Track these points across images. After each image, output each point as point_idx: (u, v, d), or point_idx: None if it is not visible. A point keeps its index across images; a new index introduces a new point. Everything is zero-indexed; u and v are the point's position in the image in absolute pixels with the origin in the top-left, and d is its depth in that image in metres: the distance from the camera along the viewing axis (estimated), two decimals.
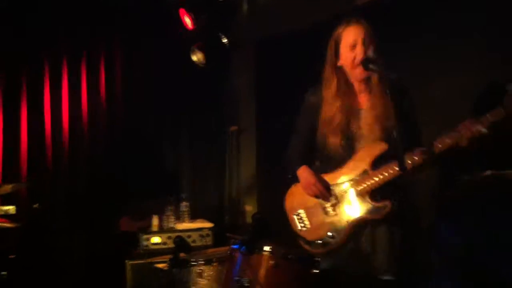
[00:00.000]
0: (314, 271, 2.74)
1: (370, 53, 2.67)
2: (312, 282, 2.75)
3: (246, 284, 2.67)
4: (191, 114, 5.26)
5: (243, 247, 2.72)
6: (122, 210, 4.78)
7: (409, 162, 2.55)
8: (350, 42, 2.70)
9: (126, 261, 4.29)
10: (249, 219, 4.96)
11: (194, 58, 4.52)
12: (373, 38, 2.69)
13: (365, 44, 2.67)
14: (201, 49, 4.49)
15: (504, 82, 2.49)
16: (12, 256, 3.92)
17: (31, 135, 4.57)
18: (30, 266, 4.30)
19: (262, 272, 2.70)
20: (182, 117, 5.26)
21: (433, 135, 2.57)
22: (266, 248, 2.71)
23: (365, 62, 2.62)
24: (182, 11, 4.38)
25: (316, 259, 2.78)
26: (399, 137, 2.34)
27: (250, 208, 5.12)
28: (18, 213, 4.09)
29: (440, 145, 2.51)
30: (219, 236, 4.48)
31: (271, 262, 2.68)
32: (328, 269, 2.76)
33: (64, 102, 4.70)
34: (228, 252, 2.89)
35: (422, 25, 3.69)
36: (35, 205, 4.32)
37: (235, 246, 2.82)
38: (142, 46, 4.97)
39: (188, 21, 4.45)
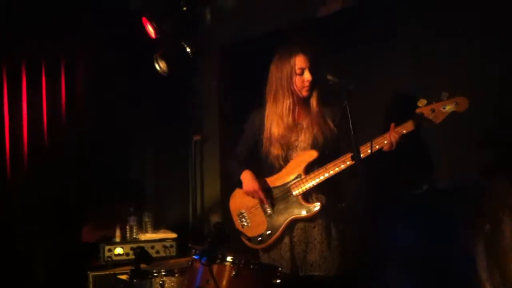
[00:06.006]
0: (275, 280, 2.76)
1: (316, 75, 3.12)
2: None
3: None
4: (155, 122, 5.21)
5: (204, 257, 2.70)
6: (83, 219, 4.71)
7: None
8: (300, 68, 3.11)
9: (89, 272, 4.23)
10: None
11: (157, 66, 4.49)
12: (319, 64, 3.13)
13: (311, 70, 3.10)
14: (163, 58, 4.46)
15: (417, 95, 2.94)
16: None
17: None
18: None
19: (223, 282, 2.69)
20: (146, 125, 5.21)
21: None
22: (228, 257, 2.71)
23: (325, 77, 2.85)
24: (144, 20, 4.35)
25: (279, 268, 2.84)
26: (354, 141, 2.68)
27: (215, 218, 5.10)
28: None
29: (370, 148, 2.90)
30: (183, 247, 4.45)
31: (233, 271, 2.68)
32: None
33: (23, 107, 4.61)
34: (189, 262, 2.87)
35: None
36: None
37: (196, 257, 2.81)
38: (105, 53, 4.89)
39: (151, 30, 4.42)
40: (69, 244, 4.61)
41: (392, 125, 2.96)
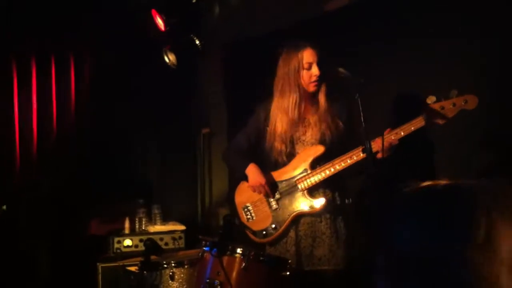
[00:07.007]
0: (285, 273, 2.77)
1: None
2: (283, 284, 2.77)
3: (217, 286, 2.67)
4: (163, 116, 5.22)
5: (214, 249, 2.72)
6: (91, 212, 4.73)
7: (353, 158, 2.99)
8: (307, 62, 3.09)
9: (98, 263, 4.25)
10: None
11: (166, 59, 4.50)
12: (325, 58, 3.13)
13: (319, 64, 3.08)
14: (173, 51, 4.47)
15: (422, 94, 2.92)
16: None
17: None
18: None
19: (233, 274, 2.70)
20: (154, 119, 5.22)
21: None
22: (238, 249, 2.72)
23: (336, 70, 2.87)
24: (154, 12, 4.35)
25: (288, 261, 2.85)
26: (365, 134, 2.71)
27: (223, 210, 5.11)
28: None
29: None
30: (192, 239, 4.47)
31: (243, 263, 2.69)
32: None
33: (32, 103, 4.61)
34: (199, 254, 2.89)
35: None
36: (3, 207, 4.24)
37: (206, 248, 2.82)
38: (112, 47, 4.89)
39: (160, 22, 4.42)
40: (77, 239, 4.63)
41: (388, 130, 2.95)
